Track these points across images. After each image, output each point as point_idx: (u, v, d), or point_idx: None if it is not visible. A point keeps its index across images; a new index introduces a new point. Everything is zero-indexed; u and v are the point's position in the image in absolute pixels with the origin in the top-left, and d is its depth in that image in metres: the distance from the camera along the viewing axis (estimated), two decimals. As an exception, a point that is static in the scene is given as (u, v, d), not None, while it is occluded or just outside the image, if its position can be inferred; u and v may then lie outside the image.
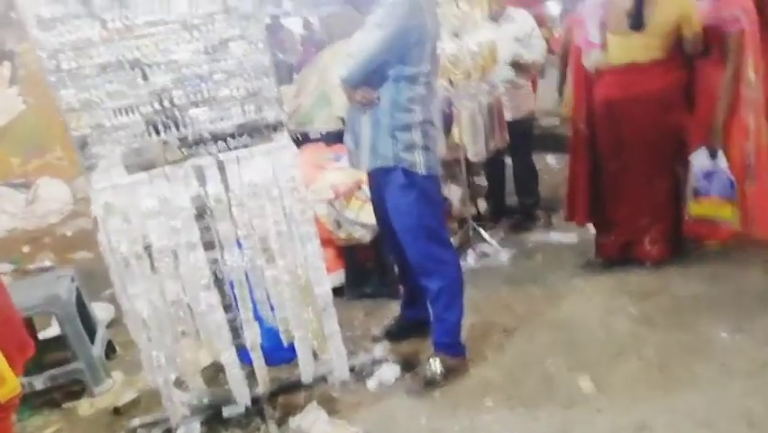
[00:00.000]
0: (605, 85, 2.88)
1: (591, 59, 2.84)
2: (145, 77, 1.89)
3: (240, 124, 2.01)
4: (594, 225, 3.21)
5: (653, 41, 2.75)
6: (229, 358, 2.20)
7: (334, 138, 4.46)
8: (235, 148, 2.03)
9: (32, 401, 2.82)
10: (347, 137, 2.44)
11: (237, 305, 2.19)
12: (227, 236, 2.09)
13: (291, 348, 2.33)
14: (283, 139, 2.06)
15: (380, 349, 2.81)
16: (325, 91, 4.21)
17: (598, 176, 3.03)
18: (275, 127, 2.02)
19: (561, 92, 4.47)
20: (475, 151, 3.24)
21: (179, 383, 2.31)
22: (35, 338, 3.14)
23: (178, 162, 1.99)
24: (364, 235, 3.18)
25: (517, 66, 3.54)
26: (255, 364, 2.26)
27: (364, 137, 2.28)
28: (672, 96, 2.83)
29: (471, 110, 3.16)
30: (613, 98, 2.86)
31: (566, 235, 3.64)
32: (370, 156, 2.29)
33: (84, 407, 2.82)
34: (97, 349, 2.98)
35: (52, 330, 3.20)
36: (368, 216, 3.16)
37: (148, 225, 2.01)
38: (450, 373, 2.49)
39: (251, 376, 2.34)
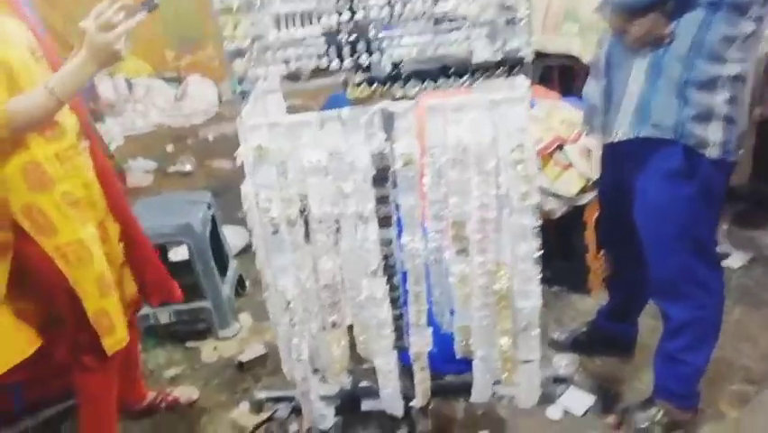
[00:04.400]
0: None
1: None
2: (335, -31, 1.26)
3: (459, 58, 1.34)
4: None
5: None
6: (386, 365, 1.67)
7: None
8: (446, 90, 1.37)
9: (155, 332, 2.57)
10: (592, 86, 1.68)
11: (407, 302, 1.62)
12: (411, 213, 1.49)
13: (465, 361, 1.75)
14: (519, 87, 1.35)
15: (564, 362, 2.18)
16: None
17: None
18: (512, 67, 1.32)
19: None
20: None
21: (318, 375, 1.83)
22: (166, 261, 2.87)
23: (363, 103, 1.37)
24: (555, 209, 2.46)
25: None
26: (417, 377, 1.72)
27: (630, 91, 1.52)
28: None
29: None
30: None
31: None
32: (633, 120, 1.53)
33: (207, 350, 2.51)
34: (227, 288, 2.62)
35: (183, 251, 2.88)
36: (565, 186, 2.43)
37: (308, 184, 1.45)
38: (674, 429, 1.82)
39: (405, 377, 1.80)
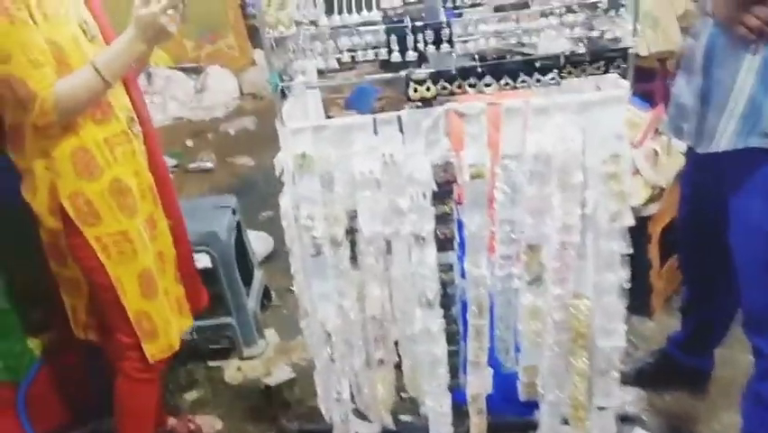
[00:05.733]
0: None
1: None
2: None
3: (545, 49, 1.10)
4: None
5: None
6: (439, 407, 1.44)
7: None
8: (525, 88, 1.14)
9: (174, 347, 2.37)
10: (682, 84, 1.43)
11: (465, 337, 1.39)
12: (478, 235, 1.26)
13: (527, 404, 1.52)
14: (616, 85, 1.12)
15: (630, 397, 1.93)
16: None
17: None
18: (609, 62, 1.09)
19: None
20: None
21: (358, 413, 1.61)
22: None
23: (426, 104, 1.14)
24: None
25: None
26: (473, 421, 1.49)
27: (736, 93, 1.27)
28: None
29: None
30: None
31: None
32: (739, 127, 1.28)
33: (231, 371, 2.30)
34: (252, 302, 2.41)
35: (203, 259, 2.67)
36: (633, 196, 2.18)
37: (358, 199, 1.23)
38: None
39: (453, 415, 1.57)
